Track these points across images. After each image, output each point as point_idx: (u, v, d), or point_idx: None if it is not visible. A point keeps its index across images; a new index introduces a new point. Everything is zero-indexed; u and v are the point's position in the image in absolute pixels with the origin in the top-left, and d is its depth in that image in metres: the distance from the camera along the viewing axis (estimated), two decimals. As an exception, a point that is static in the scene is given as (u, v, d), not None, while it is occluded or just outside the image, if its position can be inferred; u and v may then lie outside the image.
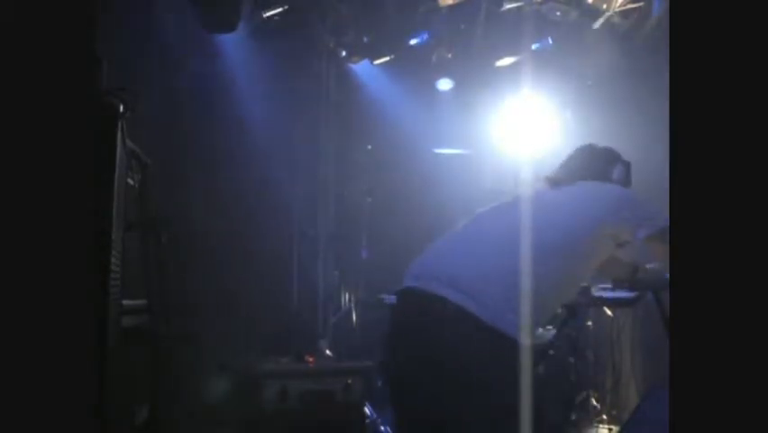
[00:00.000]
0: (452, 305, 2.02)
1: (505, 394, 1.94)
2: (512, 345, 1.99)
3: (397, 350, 2.19)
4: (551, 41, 5.75)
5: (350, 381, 4.13)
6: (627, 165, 2.51)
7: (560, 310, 3.45)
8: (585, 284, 3.24)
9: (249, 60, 5.43)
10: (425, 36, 5.82)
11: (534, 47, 5.75)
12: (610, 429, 4.75)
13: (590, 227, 2.20)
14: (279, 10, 5.41)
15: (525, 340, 2.06)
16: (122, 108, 2.01)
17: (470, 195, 5.70)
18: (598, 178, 2.42)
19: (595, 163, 2.48)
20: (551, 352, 4.15)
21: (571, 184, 2.36)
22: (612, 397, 4.87)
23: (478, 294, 2.02)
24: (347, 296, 5.97)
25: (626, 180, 2.50)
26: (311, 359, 4.28)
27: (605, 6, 5.38)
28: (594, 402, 5.06)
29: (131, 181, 2.36)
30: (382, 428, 4.47)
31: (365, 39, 5.98)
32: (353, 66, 6.31)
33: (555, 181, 2.41)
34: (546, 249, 2.11)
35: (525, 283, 2.05)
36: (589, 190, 2.33)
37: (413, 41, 5.84)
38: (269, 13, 5.42)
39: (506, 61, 6.00)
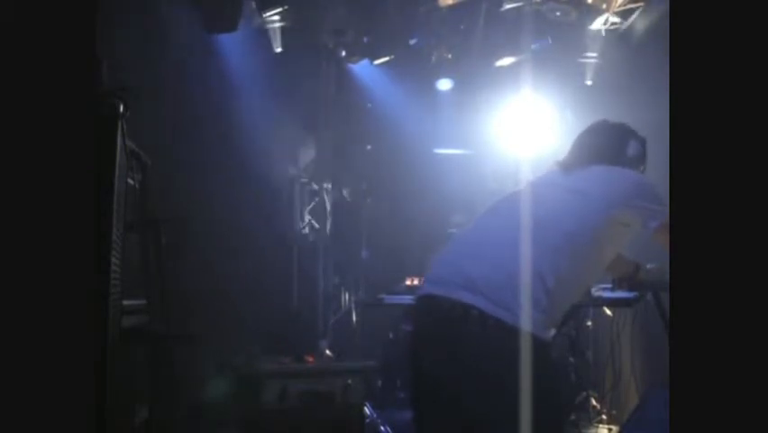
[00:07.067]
0: (471, 307, 2.02)
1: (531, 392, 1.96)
2: (534, 343, 1.99)
3: (421, 355, 2.19)
4: (551, 41, 5.76)
5: (350, 381, 4.12)
6: (643, 141, 2.42)
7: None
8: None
9: (249, 60, 5.43)
10: (425, 37, 5.82)
11: (534, 47, 5.76)
12: (610, 429, 4.75)
13: (602, 216, 2.17)
14: (279, 10, 5.42)
15: (547, 336, 2.08)
16: (122, 108, 2.01)
17: (471, 195, 5.72)
18: (612, 158, 2.35)
19: (609, 143, 2.40)
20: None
21: (583, 169, 2.30)
22: (612, 397, 4.87)
23: (493, 294, 2.02)
24: (347, 296, 5.97)
25: (641, 158, 2.42)
26: (311, 359, 4.28)
27: (605, 6, 5.39)
28: (594, 402, 5.06)
29: (131, 181, 2.36)
30: (382, 428, 4.47)
31: (365, 39, 5.98)
32: (353, 66, 6.31)
33: (567, 166, 2.36)
34: (559, 240, 2.10)
35: (540, 279, 2.05)
36: (600, 177, 2.27)
37: (413, 41, 5.85)
38: (269, 13, 5.43)
39: (506, 61, 6.01)
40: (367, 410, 4.40)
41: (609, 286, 3.35)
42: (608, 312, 4.81)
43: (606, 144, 2.41)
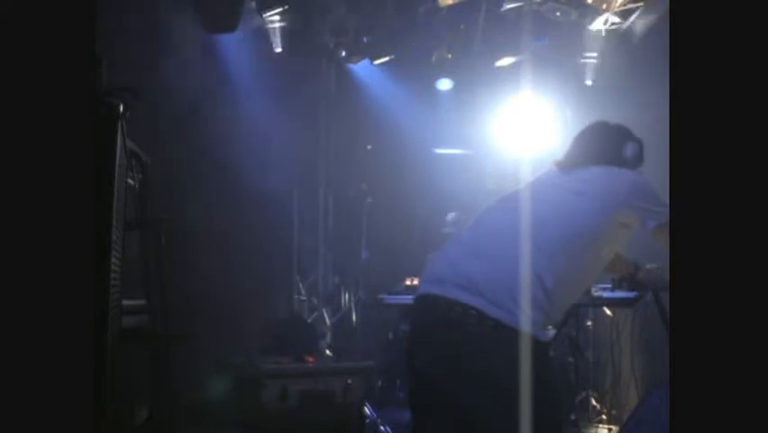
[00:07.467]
0: (470, 308, 2.03)
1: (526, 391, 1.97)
2: (533, 344, 2.00)
3: (419, 355, 2.20)
4: (550, 42, 5.75)
5: (350, 381, 4.13)
6: (640, 143, 2.43)
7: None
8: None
9: (249, 61, 5.43)
10: (425, 37, 5.82)
11: (534, 47, 5.76)
12: (610, 429, 4.75)
13: (601, 216, 2.18)
14: (279, 10, 5.42)
15: (546, 337, 2.08)
16: (122, 108, 2.01)
17: (471, 195, 5.72)
18: (611, 159, 2.35)
19: (608, 145, 2.40)
20: (551, 352, 4.15)
21: (582, 169, 2.31)
22: (612, 397, 4.87)
23: (492, 294, 2.03)
24: (347, 296, 5.97)
25: (639, 158, 2.42)
26: (311, 359, 4.28)
27: (605, 6, 5.39)
28: (594, 402, 5.07)
29: (131, 181, 2.36)
30: (382, 428, 4.47)
31: (365, 39, 5.97)
32: (353, 66, 6.31)
33: (566, 166, 2.36)
34: (558, 240, 2.11)
35: (539, 279, 2.05)
36: (599, 177, 2.27)
37: (412, 42, 5.85)
38: (269, 13, 5.43)
39: (506, 61, 6.01)
40: (367, 410, 4.40)
41: (609, 286, 3.36)
42: (608, 312, 4.82)
43: (604, 145, 2.41)
